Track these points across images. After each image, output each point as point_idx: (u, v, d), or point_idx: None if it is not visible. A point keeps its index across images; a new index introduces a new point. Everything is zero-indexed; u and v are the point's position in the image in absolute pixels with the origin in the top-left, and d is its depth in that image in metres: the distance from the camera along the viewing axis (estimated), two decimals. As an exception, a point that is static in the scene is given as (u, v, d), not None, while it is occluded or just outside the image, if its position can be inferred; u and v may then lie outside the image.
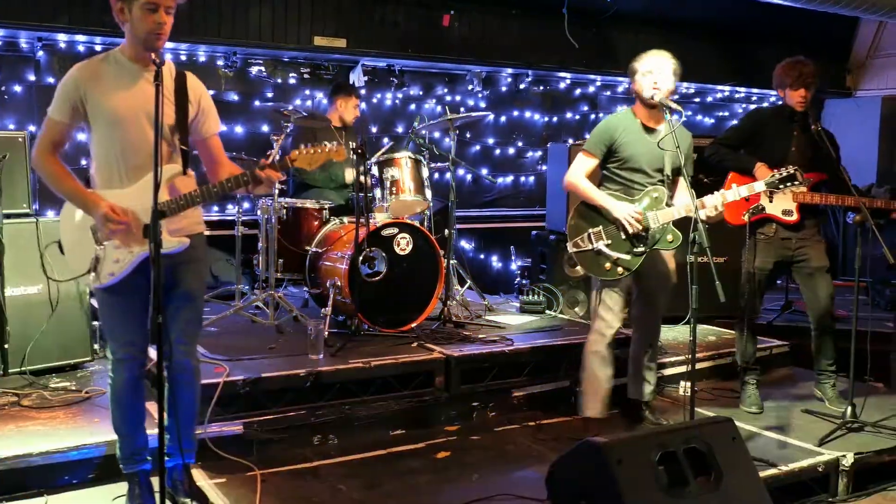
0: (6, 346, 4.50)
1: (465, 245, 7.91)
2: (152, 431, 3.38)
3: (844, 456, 4.11)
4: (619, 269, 4.18)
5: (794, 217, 4.70)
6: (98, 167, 3.19)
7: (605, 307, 4.28)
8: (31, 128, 6.10)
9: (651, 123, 4.27)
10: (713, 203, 4.10)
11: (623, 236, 4.17)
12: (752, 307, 4.85)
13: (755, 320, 4.94)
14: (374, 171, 5.45)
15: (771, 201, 4.72)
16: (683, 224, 4.02)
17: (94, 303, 5.42)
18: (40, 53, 6.16)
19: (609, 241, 4.17)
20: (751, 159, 4.70)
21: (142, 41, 3.07)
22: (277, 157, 3.25)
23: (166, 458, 3.43)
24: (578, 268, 4.40)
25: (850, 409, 4.50)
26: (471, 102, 8.05)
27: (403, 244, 5.20)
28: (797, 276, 4.86)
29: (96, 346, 4.89)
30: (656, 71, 4.15)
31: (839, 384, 4.96)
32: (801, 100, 4.71)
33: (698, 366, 4.66)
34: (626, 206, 4.17)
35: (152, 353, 3.39)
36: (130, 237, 3.08)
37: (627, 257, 4.17)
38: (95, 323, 5.03)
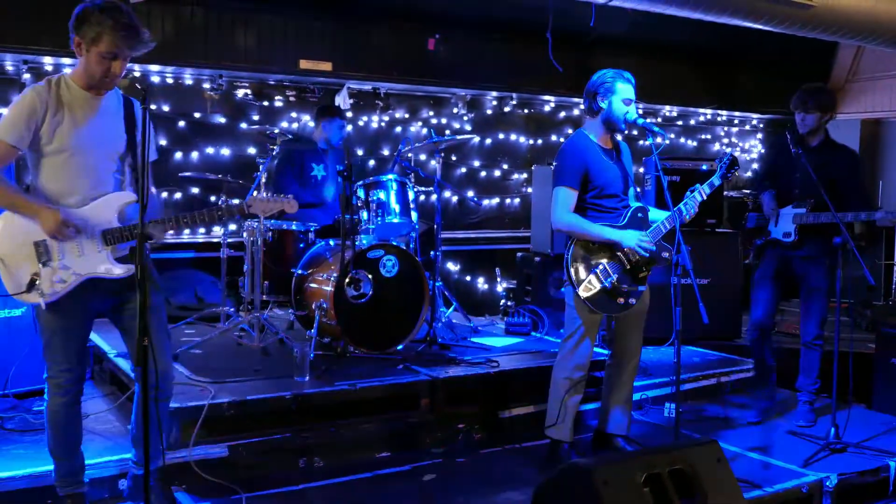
0: (-11, 368, 4.46)
1: (451, 267, 7.93)
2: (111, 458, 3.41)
3: (828, 477, 4.14)
4: (632, 300, 4.09)
5: (793, 238, 4.76)
6: (47, 186, 3.15)
7: (585, 335, 4.13)
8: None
9: (607, 145, 4.22)
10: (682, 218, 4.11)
11: (627, 266, 4.05)
12: (757, 316, 4.91)
13: (767, 331, 4.97)
14: (361, 193, 5.47)
15: (776, 225, 4.81)
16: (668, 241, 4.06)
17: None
18: (26, 76, 6.16)
19: (616, 276, 4.03)
20: (761, 193, 4.91)
21: (95, 82, 3.08)
22: (234, 202, 3.26)
23: (141, 467, 3.38)
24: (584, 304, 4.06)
25: (833, 430, 4.53)
26: (456, 125, 8.10)
27: (389, 266, 5.20)
28: (800, 294, 4.94)
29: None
30: (633, 100, 4.11)
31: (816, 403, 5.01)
32: (800, 122, 4.83)
33: (682, 387, 4.67)
34: (633, 232, 4.03)
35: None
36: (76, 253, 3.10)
37: (636, 286, 4.08)
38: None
